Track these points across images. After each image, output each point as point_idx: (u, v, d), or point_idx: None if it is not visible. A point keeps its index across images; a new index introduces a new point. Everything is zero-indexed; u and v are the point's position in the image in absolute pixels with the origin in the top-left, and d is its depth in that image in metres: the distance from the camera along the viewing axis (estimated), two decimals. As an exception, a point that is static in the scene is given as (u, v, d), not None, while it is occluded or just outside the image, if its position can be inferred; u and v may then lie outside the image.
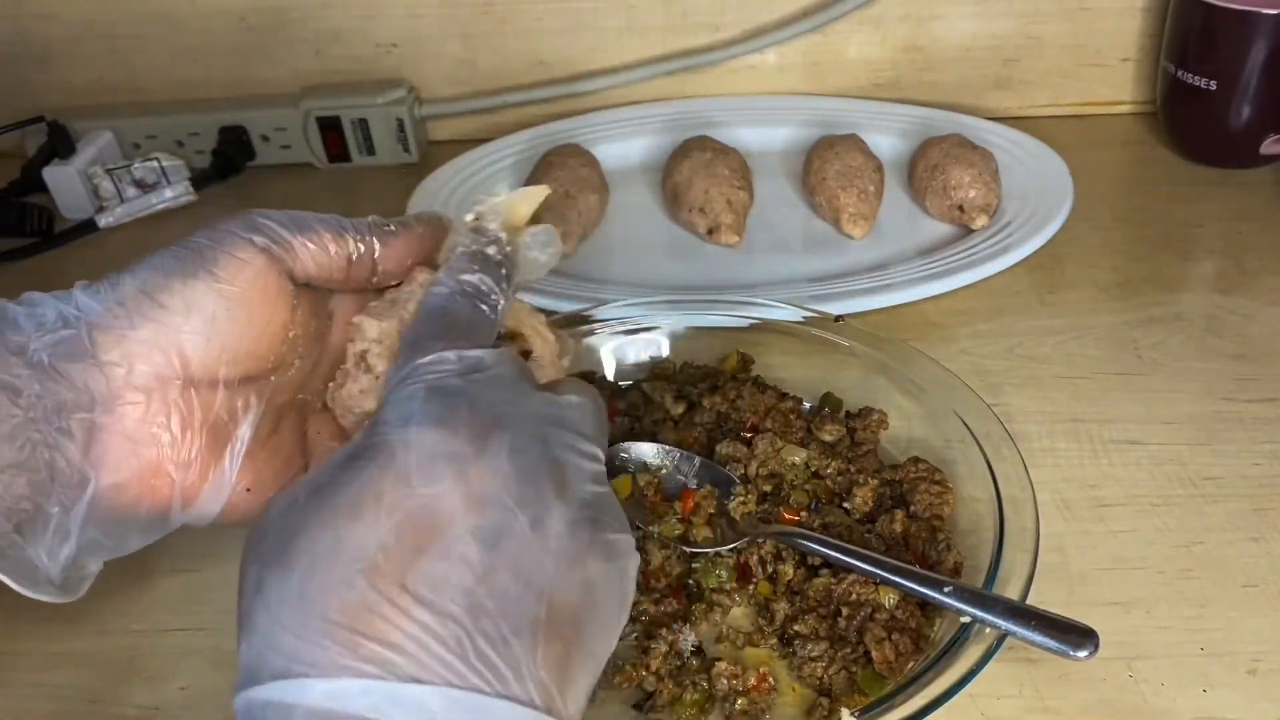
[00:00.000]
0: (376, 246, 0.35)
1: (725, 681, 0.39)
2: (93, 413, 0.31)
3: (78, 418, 0.30)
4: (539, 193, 0.36)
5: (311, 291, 0.36)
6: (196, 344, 0.32)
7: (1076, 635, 0.36)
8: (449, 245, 0.36)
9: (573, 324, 0.54)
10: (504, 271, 0.34)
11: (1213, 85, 0.69)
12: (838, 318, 0.53)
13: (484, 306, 0.33)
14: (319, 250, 0.34)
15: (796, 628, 0.41)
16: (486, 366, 0.30)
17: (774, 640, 0.42)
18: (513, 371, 0.31)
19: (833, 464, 0.47)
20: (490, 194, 0.37)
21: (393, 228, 0.36)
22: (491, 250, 0.34)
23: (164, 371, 0.32)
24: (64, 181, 0.76)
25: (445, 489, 0.26)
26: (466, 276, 0.33)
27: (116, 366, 0.31)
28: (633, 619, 0.42)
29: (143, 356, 0.31)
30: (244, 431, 0.34)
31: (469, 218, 0.36)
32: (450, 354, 0.29)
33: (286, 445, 0.36)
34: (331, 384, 0.37)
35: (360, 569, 0.24)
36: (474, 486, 0.26)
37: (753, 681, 0.39)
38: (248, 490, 0.34)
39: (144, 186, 0.77)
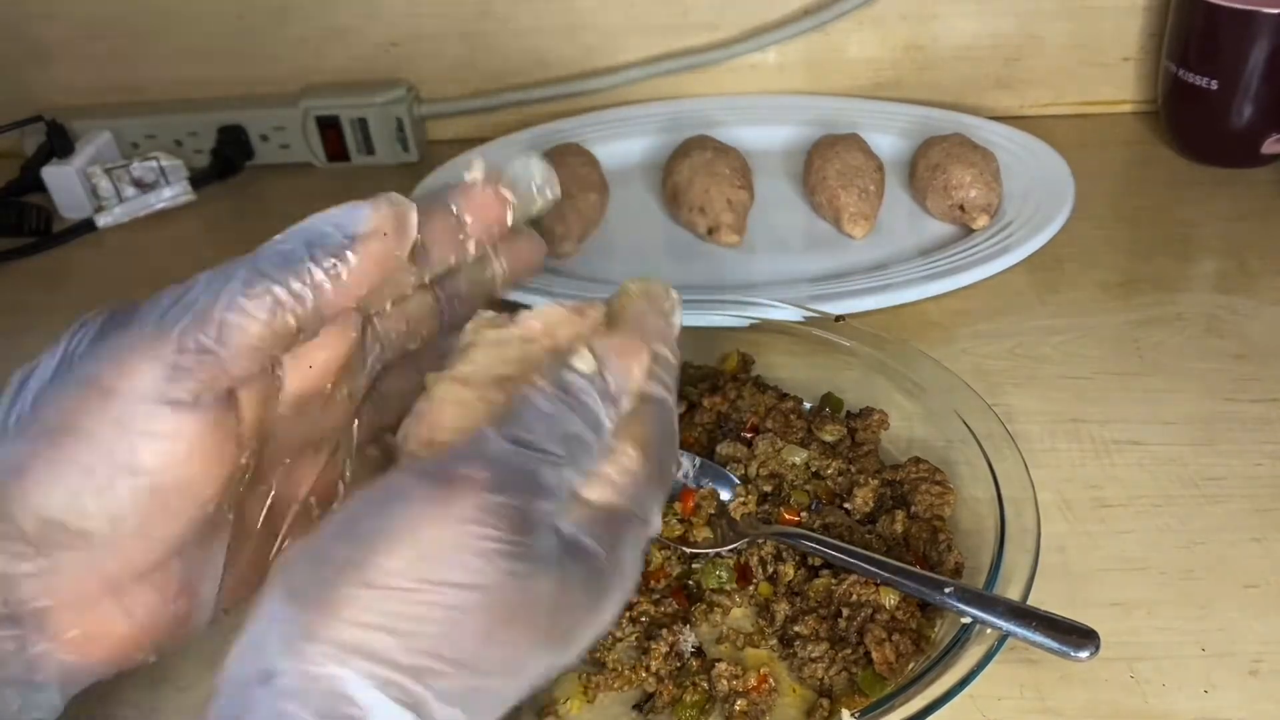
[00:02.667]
0: (328, 292, 0.27)
1: (725, 682, 0.39)
2: (24, 654, 0.26)
3: (5, 655, 0.26)
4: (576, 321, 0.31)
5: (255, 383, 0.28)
6: (134, 547, 0.26)
7: (1077, 636, 0.36)
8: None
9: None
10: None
11: (1214, 85, 0.69)
12: (838, 318, 0.53)
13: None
14: (253, 349, 0.26)
15: (797, 628, 0.41)
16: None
17: (774, 641, 0.42)
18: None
19: (833, 464, 0.47)
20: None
21: (340, 264, 0.27)
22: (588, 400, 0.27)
23: (106, 585, 0.27)
24: (62, 181, 0.76)
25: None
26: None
27: (41, 605, 0.26)
28: (633, 620, 0.41)
29: (74, 586, 0.26)
30: (214, 572, 0.29)
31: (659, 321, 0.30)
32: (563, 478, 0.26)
33: (262, 535, 0.31)
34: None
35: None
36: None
37: (753, 682, 0.39)
38: (226, 605, 0.31)
39: (143, 186, 0.77)
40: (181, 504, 0.27)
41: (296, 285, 0.26)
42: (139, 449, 0.25)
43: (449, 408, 0.28)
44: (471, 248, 0.31)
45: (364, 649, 0.22)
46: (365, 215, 0.27)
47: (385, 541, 0.23)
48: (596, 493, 0.27)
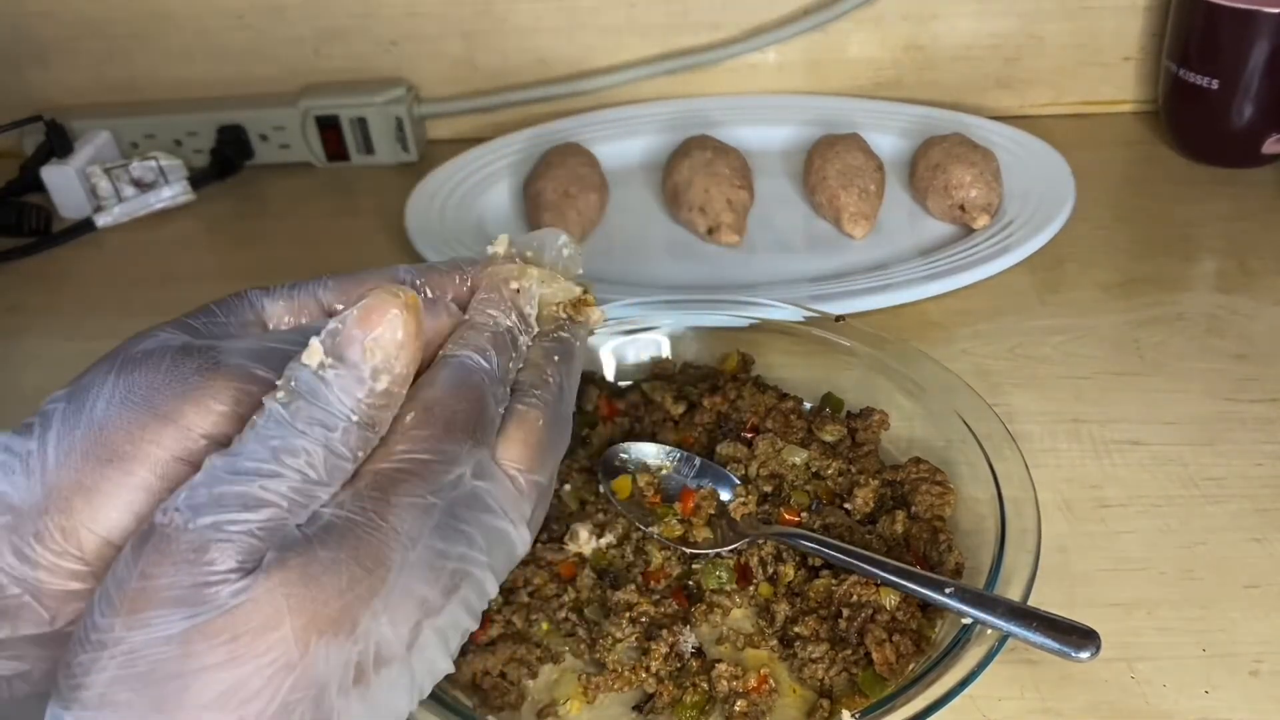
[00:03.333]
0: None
1: (725, 683, 0.39)
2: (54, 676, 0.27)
3: (39, 676, 0.27)
4: (571, 290, 0.33)
5: None
6: None
7: (1078, 636, 0.36)
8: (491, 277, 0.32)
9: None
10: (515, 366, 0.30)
11: (1214, 84, 0.69)
12: (838, 318, 0.53)
13: (501, 403, 0.29)
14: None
15: (797, 629, 0.41)
16: (493, 504, 0.27)
17: (774, 641, 0.42)
18: (516, 508, 0.28)
19: (833, 464, 0.47)
20: (526, 262, 0.33)
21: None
22: (523, 340, 0.30)
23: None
24: (62, 181, 0.76)
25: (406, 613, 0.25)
26: (500, 359, 0.29)
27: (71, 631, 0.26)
28: (633, 620, 0.41)
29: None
30: None
31: (512, 284, 0.31)
32: (470, 465, 0.27)
33: None
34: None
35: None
36: (419, 640, 0.25)
37: (753, 683, 0.39)
38: None
39: (142, 186, 0.77)
40: None
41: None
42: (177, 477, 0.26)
43: None
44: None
45: (120, 716, 0.22)
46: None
47: (103, 607, 0.23)
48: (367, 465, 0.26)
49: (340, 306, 0.31)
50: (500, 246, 0.34)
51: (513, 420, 0.29)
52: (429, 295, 0.32)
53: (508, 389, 0.30)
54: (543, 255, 0.34)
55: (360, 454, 0.26)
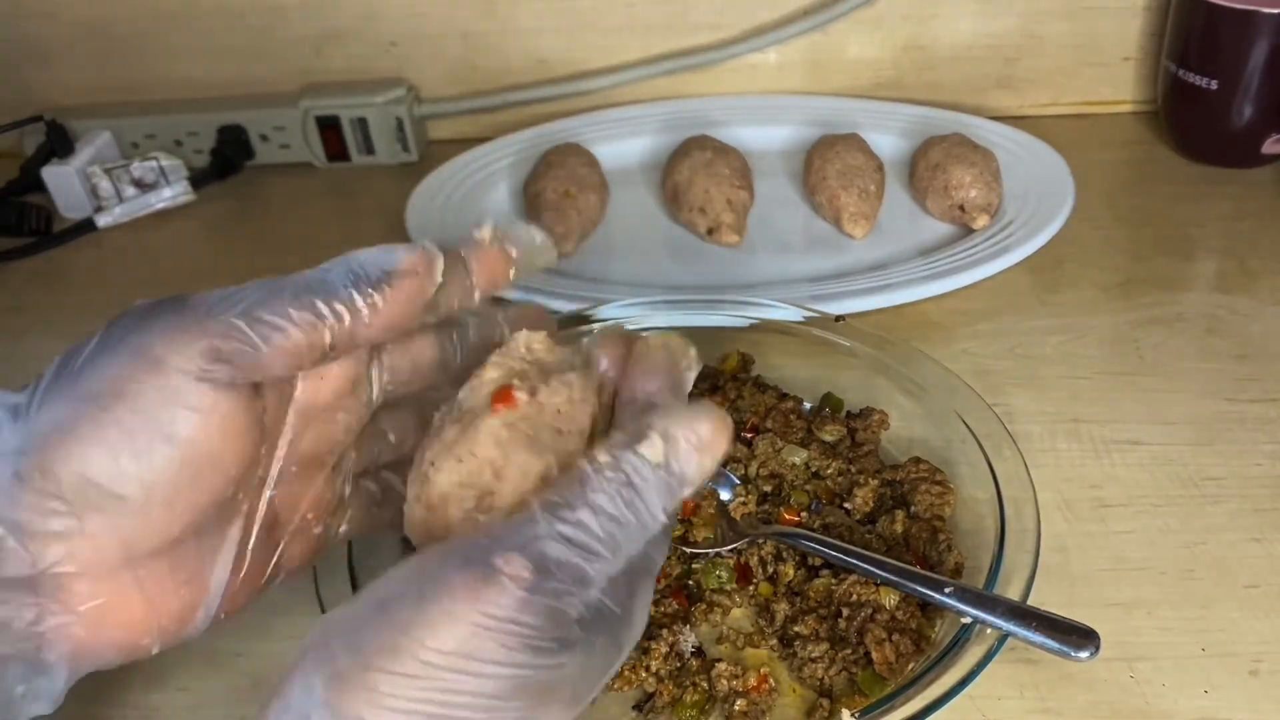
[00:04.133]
0: (365, 317, 0.29)
1: (725, 682, 0.39)
2: (40, 626, 0.27)
3: (21, 626, 0.27)
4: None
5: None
6: (161, 519, 0.27)
7: (1078, 636, 0.36)
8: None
9: (573, 324, 0.54)
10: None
11: (1214, 85, 0.69)
12: (838, 318, 0.53)
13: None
14: (290, 354, 0.28)
15: (797, 628, 0.41)
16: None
17: (774, 641, 0.42)
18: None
19: (833, 464, 0.47)
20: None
21: (376, 298, 0.29)
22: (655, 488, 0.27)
23: (127, 558, 0.27)
24: (62, 181, 0.76)
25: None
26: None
27: (65, 571, 0.27)
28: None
29: (97, 553, 0.27)
30: (223, 565, 0.30)
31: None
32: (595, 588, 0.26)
33: (264, 539, 0.32)
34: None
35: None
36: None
37: (753, 682, 0.39)
38: (227, 608, 0.31)
39: (142, 186, 0.77)
40: (207, 479, 0.28)
41: (338, 306, 0.28)
42: (178, 419, 0.27)
43: (486, 442, 0.29)
44: (477, 297, 0.32)
45: None
46: (402, 255, 0.29)
47: (424, 630, 0.24)
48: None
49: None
50: (487, 232, 0.33)
51: None
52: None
53: None
54: (520, 247, 0.33)
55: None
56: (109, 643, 0.28)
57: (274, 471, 0.31)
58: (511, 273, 0.33)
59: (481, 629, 0.23)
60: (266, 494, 0.31)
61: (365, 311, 0.28)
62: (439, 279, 0.30)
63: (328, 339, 0.28)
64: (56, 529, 0.26)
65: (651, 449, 0.26)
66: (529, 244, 0.33)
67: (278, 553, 0.32)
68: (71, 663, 0.28)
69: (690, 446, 0.26)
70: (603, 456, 0.26)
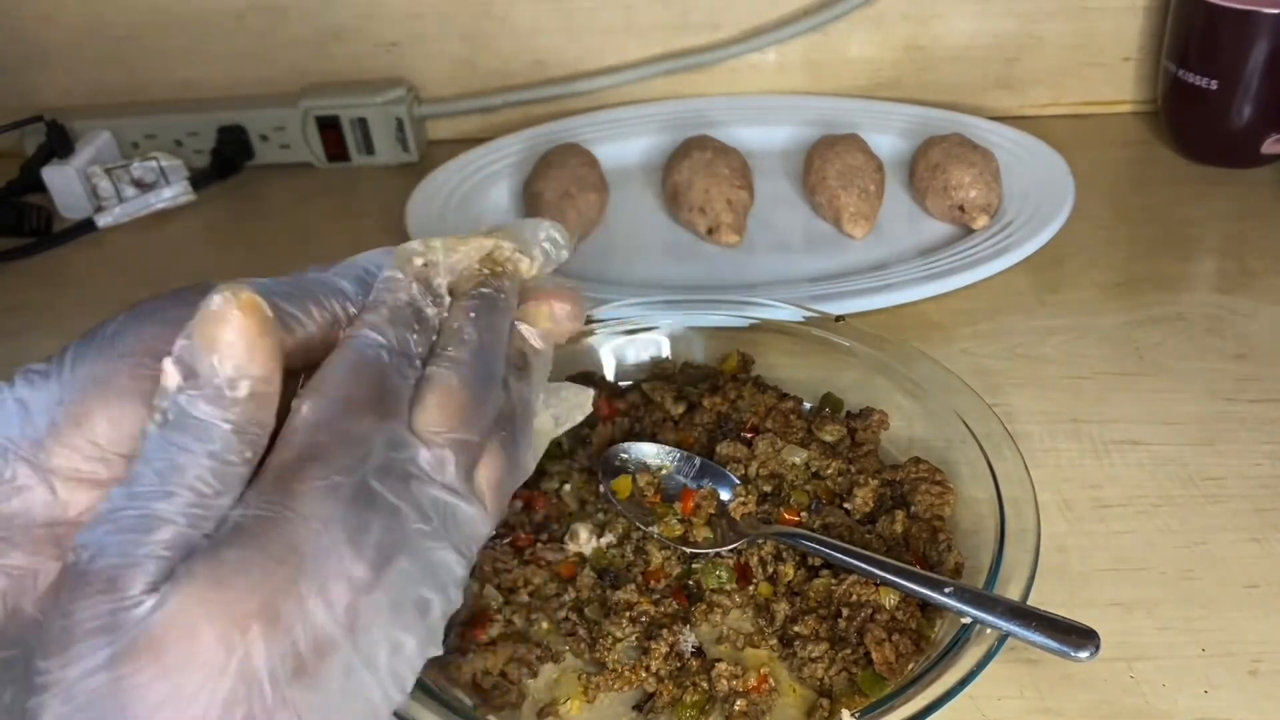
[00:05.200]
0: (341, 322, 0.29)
1: (725, 682, 0.39)
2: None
3: (47, 582, 0.27)
4: (483, 245, 0.32)
5: None
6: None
7: (1077, 636, 0.36)
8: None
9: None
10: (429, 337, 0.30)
11: (1214, 85, 0.69)
12: (838, 318, 0.53)
13: (409, 376, 0.28)
14: (306, 347, 0.29)
15: (797, 628, 0.41)
16: (421, 473, 0.27)
17: (774, 641, 0.42)
18: (446, 470, 0.28)
19: (833, 464, 0.47)
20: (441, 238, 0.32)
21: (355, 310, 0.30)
22: (431, 312, 0.30)
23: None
24: (62, 181, 0.76)
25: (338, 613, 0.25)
26: (398, 333, 0.28)
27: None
28: (633, 620, 0.41)
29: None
30: None
31: (416, 260, 0.31)
32: (378, 438, 0.26)
33: None
34: None
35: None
36: (360, 619, 0.25)
37: (753, 682, 0.39)
38: None
39: (143, 186, 0.77)
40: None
41: (351, 309, 0.29)
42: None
43: None
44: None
45: None
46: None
47: (41, 658, 0.24)
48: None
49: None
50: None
51: (425, 387, 0.29)
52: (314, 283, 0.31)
53: (416, 362, 0.29)
54: (523, 238, 0.33)
55: (250, 455, 0.26)
56: None
57: None
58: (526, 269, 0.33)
59: (67, 621, 0.23)
60: None
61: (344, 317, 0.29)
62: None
63: (340, 337, 0.29)
64: (89, 476, 0.27)
65: (164, 378, 0.25)
66: (535, 240, 0.33)
67: None
68: None
69: (196, 348, 0.25)
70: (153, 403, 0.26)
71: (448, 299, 0.31)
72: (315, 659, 0.25)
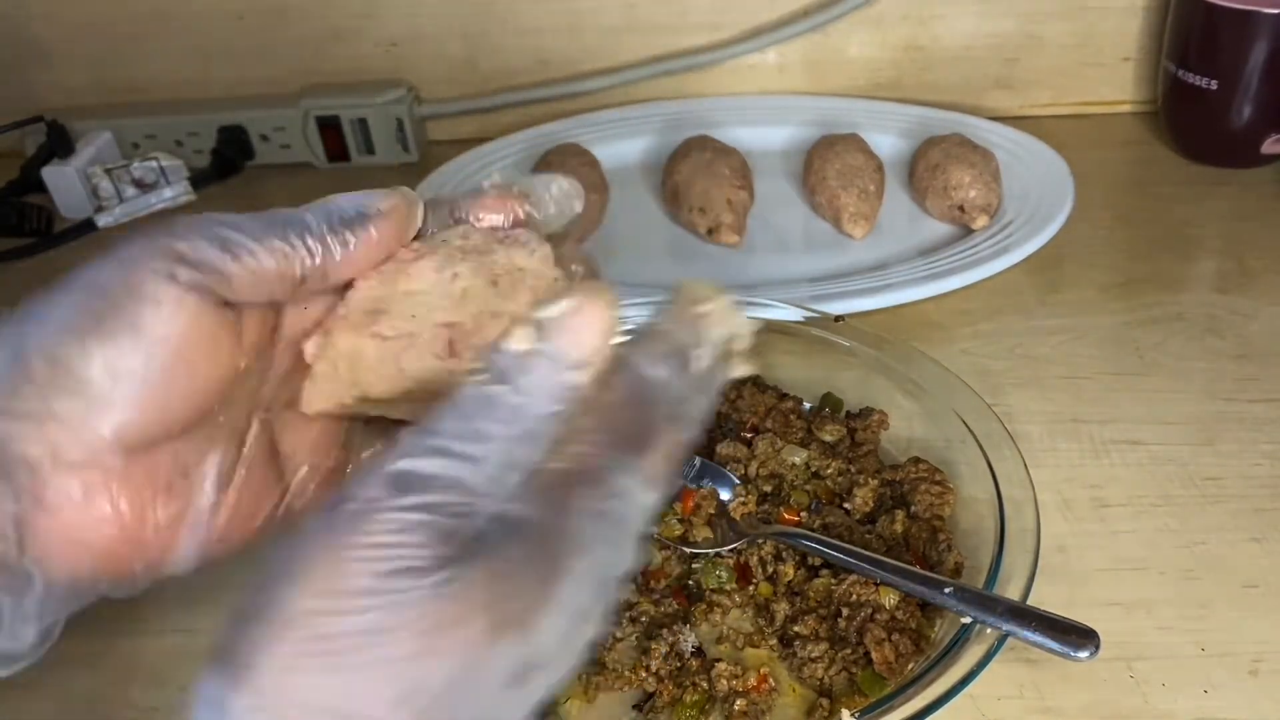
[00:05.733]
0: (336, 255, 0.29)
1: (725, 682, 0.39)
2: (19, 506, 0.26)
3: (2, 518, 0.26)
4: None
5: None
6: (129, 412, 0.27)
7: (1077, 636, 0.36)
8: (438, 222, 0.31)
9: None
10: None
11: (1214, 85, 0.69)
12: (838, 318, 0.53)
13: (670, 420, 0.27)
14: (258, 277, 0.28)
15: (797, 628, 0.41)
16: (643, 514, 0.26)
17: (774, 641, 0.42)
18: (646, 519, 0.27)
19: (833, 464, 0.47)
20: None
21: (352, 239, 0.29)
22: (697, 366, 0.28)
23: (96, 449, 0.27)
24: (63, 181, 0.76)
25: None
26: (668, 371, 0.27)
27: (38, 456, 0.26)
28: (633, 620, 0.42)
29: (68, 439, 0.27)
30: (206, 482, 0.30)
31: (700, 309, 0.30)
32: (632, 472, 0.25)
33: (257, 472, 0.31)
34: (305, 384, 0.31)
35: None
36: (568, 647, 0.25)
37: (753, 682, 0.39)
38: (219, 540, 0.30)
39: (143, 186, 0.77)
40: (176, 380, 0.28)
41: (310, 242, 0.29)
42: (144, 310, 0.27)
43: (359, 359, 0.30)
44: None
45: (293, 698, 0.22)
46: (380, 199, 0.30)
47: (286, 584, 0.22)
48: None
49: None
50: (492, 181, 0.33)
51: (665, 433, 0.28)
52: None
53: (678, 409, 0.28)
54: (535, 195, 0.33)
55: (545, 447, 0.25)
56: (89, 553, 0.28)
57: (264, 395, 0.31)
58: (516, 214, 0.32)
59: (344, 561, 0.22)
60: (255, 421, 0.31)
61: (337, 250, 0.29)
62: (418, 224, 0.30)
63: (297, 270, 0.29)
64: (23, 408, 0.26)
65: (517, 337, 0.25)
66: (544, 192, 0.32)
67: (286, 497, 0.32)
68: (52, 574, 0.27)
69: (564, 324, 0.25)
70: (473, 364, 0.25)
71: (708, 359, 0.30)
72: (531, 674, 0.24)
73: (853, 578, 0.41)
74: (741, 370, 0.32)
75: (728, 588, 0.43)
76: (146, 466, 0.28)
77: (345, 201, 0.30)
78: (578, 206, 0.33)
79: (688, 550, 0.44)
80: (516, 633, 0.23)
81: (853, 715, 0.36)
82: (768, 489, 0.46)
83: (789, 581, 0.43)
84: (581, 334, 0.25)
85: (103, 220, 0.76)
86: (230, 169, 0.81)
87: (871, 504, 0.45)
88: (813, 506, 0.46)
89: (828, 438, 0.49)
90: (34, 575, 0.27)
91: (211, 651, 0.23)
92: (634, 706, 0.40)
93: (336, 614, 0.22)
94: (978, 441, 0.45)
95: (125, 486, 0.28)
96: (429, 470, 0.23)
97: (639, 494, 0.27)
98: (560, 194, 0.33)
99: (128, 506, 0.28)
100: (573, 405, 0.25)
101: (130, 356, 0.27)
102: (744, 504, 0.45)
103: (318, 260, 0.29)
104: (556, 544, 0.24)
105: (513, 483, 0.25)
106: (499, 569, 0.23)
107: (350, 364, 0.30)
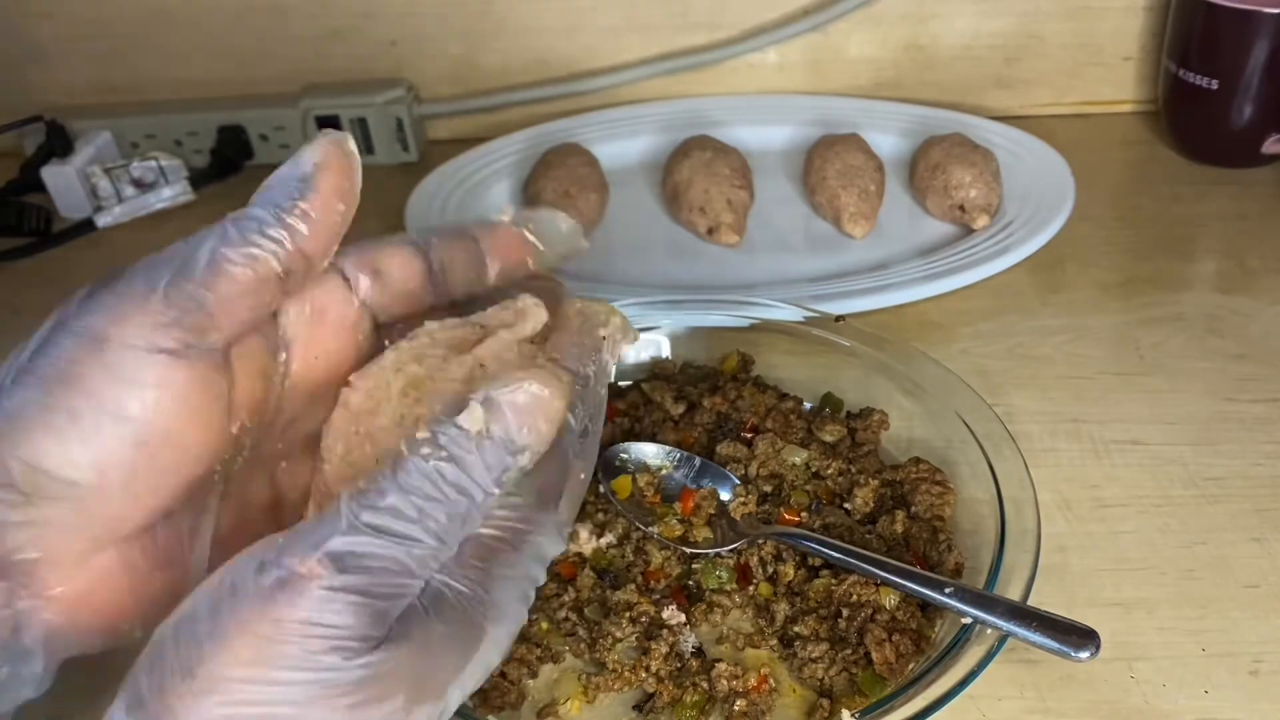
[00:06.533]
0: (303, 230, 0.27)
1: (725, 683, 0.39)
2: (14, 610, 0.26)
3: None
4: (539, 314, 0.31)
5: (251, 340, 0.28)
6: (122, 504, 0.26)
7: (1078, 636, 0.36)
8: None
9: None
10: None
11: (1214, 85, 0.69)
12: (838, 318, 0.53)
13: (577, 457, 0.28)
14: (240, 293, 0.26)
15: (797, 629, 0.41)
16: (551, 556, 0.27)
17: (774, 641, 0.42)
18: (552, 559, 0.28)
19: (833, 464, 0.47)
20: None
21: (304, 206, 0.27)
22: (602, 394, 0.29)
23: (88, 544, 0.26)
24: (62, 181, 0.76)
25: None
26: (584, 413, 0.28)
27: (29, 557, 0.25)
28: (632, 620, 0.41)
29: (62, 540, 0.26)
30: (203, 546, 0.29)
31: (601, 332, 0.30)
32: (546, 529, 0.27)
33: (258, 523, 0.31)
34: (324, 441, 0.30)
35: None
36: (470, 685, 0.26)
37: (753, 683, 0.39)
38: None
39: (142, 186, 0.77)
40: (167, 460, 0.26)
41: (272, 231, 0.27)
42: (126, 397, 0.25)
43: (340, 441, 0.29)
44: (492, 277, 0.32)
45: None
46: (307, 154, 0.28)
47: (217, 644, 0.22)
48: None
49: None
50: (507, 215, 0.33)
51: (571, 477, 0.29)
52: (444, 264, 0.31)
53: (581, 447, 0.29)
54: (543, 232, 0.33)
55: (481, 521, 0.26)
56: (87, 628, 0.27)
57: (265, 451, 0.30)
58: (531, 259, 0.32)
59: (276, 637, 0.22)
60: (256, 475, 0.31)
61: (301, 224, 0.27)
62: (355, 156, 0.28)
63: (275, 265, 0.27)
64: (15, 519, 0.25)
65: (469, 417, 0.24)
66: (553, 230, 0.32)
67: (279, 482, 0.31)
68: (49, 647, 0.27)
69: (516, 410, 0.25)
70: (420, 434, 0.25)
71: (609, 379, 0.30)
72: None
73: (853, 578, 0.41)
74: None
75: (728, 588, 0.43)
76: (143, 545, 0.27)
77: (278, 177, 0.28)
78: (581, 246, 0.33)
79: (688, 550, 0.44)
80: (433, 703, 0.24)
81: (853, 716, 0.36)
82: (768, 489, 0.46)
83: (789, 582, 0.43)
84: (536, 419, 0.25)
85: (102, 220, 0.76)
86: (230, 169, 0.80)
87: (872, 504, 0.45)
88: (813, 507, 0.46)
89: (828, 438, 0.49)
90: (30, 652, 0.26)
91: (127, 690, 0.23)
92: (634, 707, 0.40)
93: (266, 684, 0.22)
94: (978, 442, 0.45)
95: (124, 572, 0.27)
96: (367, 550, 0.23)
97: (550, 549, 0.28)
98: (568, 232, 0.33)
99: (127, 588, 0.27)
100: (515, 482, 0.25)
101: (116, 449, 0.25)
102: (744, 504, 0.45)
103: (288, 246, 0.27)
104: (480, 615, 0.25)
105: (445, 558, 0.25)
106: (424, 646, 0.24)
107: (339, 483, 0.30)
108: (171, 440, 0.26)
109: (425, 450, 0.24)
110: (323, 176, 0.27)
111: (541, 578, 0.28)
